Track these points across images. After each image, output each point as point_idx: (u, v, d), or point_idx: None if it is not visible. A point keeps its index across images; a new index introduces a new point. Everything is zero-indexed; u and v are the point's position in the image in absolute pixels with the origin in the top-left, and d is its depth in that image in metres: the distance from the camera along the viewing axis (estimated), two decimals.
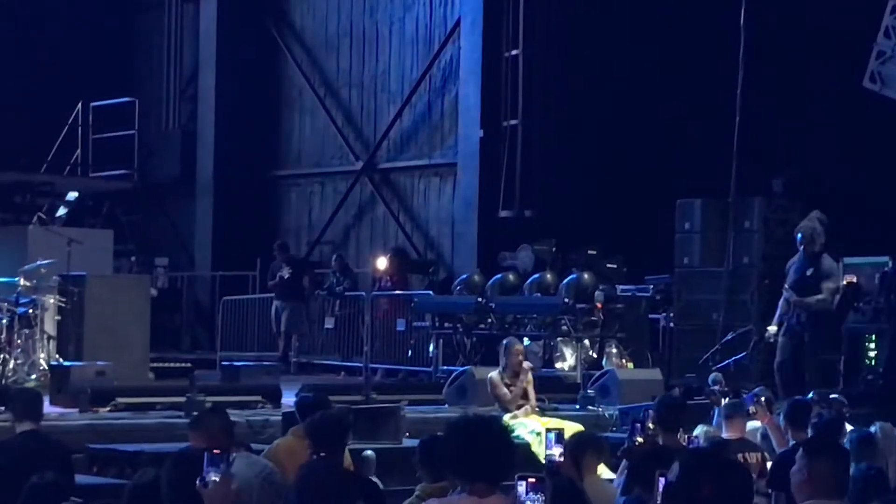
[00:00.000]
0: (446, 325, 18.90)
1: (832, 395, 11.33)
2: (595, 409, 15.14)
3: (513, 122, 21.32)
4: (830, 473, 5.81)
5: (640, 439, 8.38)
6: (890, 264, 16.81)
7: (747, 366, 15.93)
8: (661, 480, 5.04)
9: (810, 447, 6.00)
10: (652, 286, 18.91)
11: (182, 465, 5.56)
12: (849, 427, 9.73)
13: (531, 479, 4.98)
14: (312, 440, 7.91)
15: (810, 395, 11.28)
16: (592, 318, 18.10)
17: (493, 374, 13.69)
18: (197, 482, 5.26)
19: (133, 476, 6.22)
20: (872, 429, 9.22)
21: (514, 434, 13.48)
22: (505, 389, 13.45)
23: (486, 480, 5.32)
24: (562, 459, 7.03)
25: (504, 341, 14.05)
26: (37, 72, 25.75)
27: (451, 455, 5.42)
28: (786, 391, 14.20)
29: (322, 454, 7.66)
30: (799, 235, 14.83)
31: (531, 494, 4.96)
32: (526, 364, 13.74)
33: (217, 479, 5.26)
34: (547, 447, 7.19)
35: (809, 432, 9.10)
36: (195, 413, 9.62)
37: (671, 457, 5.61)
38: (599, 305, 17.90)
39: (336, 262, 22.56)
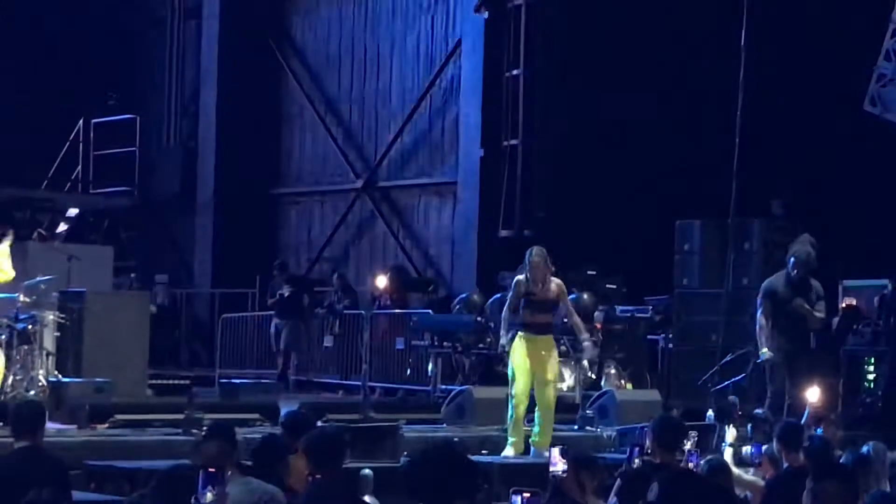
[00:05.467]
0: (445, 343, 18.87)
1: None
2: (593, 429, 15.12)
3: (513, 141, 21.35)
4: (836, 496, 5.75)
5: (637, 462, 8.36)
6: (889, 287, 16.82)
7: (746, 388, 15.90)
8: None
9: (816, 470, 5.93)
10: (651, 307, 18.91)
11: (168, 483, 5.57)
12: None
13: (526, 494, 4.90)
14: (310, 459, 7.79)
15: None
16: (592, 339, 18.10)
17: (520, 277, 13.64)
18: (192, 501, 5.25)
19: (131, 495, 6.24)
20: (865, 449, 9.20)
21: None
22: (521, 291, 13.49)
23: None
24: (565, 475, 6.99)
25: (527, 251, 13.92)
26: (38, 88, 25.78)
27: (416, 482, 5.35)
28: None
29: (319, 475, 7.56)
30: (792, 259, 14.70)
31: None
32: (556, 281, 13.62)
33: (212, 499, 5.25)
34: (551, 463, 7.15)
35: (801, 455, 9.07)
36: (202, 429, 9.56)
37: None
38: (598, 326, 17.89)
39: (337, 280, 22.56)
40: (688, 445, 8.96)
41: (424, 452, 5.30)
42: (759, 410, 13.76)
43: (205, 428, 12.29)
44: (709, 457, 9.31)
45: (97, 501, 10.48)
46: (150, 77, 27.59)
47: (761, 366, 14.81)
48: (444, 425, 15.28)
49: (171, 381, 18.25)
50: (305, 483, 7.57)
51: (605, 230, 20.20)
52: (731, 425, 12.51)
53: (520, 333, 13.86)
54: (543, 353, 13.83)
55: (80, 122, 26.00)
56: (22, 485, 7.06)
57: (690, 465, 8.38)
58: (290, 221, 26.12)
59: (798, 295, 14.51)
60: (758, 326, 14.73)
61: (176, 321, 25.85)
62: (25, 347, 15.80)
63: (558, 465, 6.95)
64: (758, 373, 15.78)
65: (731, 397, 14.34)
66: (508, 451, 13.55)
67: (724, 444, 11.51)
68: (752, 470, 10.42)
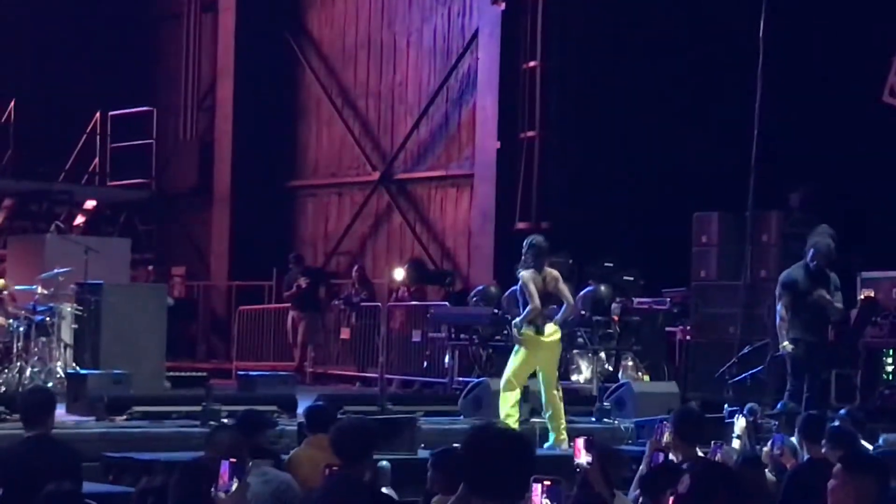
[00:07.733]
0: (462, 336, 18.88)
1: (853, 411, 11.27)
2: (611, 421, 15.10)
3: (530, 133, 21.31)
4: (874, 491, 5.71)
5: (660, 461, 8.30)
6: None
7: (763, 380, 15.87)
8: (671, 499, 4.96)
9: (856, 464, 5.88)
10: (669, 299, 18.88)
11: (191, 475, 5.57)
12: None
13: (546, 482, 4.76)
14: (338, 451, 7.67)
15: (842, 412, 11.18)
16: (609, 331, 18.08)
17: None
18: (212, 490, 5.25)
19: (140, 481, 6.21)
20: (881, 440, 9.16)
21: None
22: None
23: (502, 497, 4.79)
24: (590, 467, 6.92)
25: None
26: (55, 81, 25.81)
27: (469, 466, 4.91)
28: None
29: (343, 466, 7.44)
30: (812, 250, 14.61)
31: (546, 499, 4.69)
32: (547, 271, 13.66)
33: (234, 489, 5.25)
34: (575, 455, 7.05)
35: (823, 447, 9.03)
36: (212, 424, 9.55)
37: (682, 472, 5.55)
38: (616, 318, 17.87)
39: (356, 273, 22.56)
40: None
41: (486, 432, 4.95)
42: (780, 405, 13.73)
43: (223, 420, 12.37)
44: (743, 449, 9.24)
45: (115, 493, 10.49)
46: (167, 70, 27.60)
47: (780, 358, 14.76)
48: (462, 417, 15.28)
49: (188, 374, 18.25)
50: (321, 475, 7.50)
51: (622, 222, 20.17)
52: (740, 416, 12.46)
53: None
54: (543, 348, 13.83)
55: (98, 114, 26.01)
56: (34, 474, 7.04)
57: (717, 457, 8.31)
58: (307, 214, 26.12)
59: (818, 286, 14.46)
60: (778, 318, 14.65)
61: (193, 314, 25.89)
62: (43, 339, 15.87)
63: (582, 456, 6.86)
64: (775, 365, 15.76)
65: (752, 404, 14.25)
66: None
67: (732, 436, 11.47)
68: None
